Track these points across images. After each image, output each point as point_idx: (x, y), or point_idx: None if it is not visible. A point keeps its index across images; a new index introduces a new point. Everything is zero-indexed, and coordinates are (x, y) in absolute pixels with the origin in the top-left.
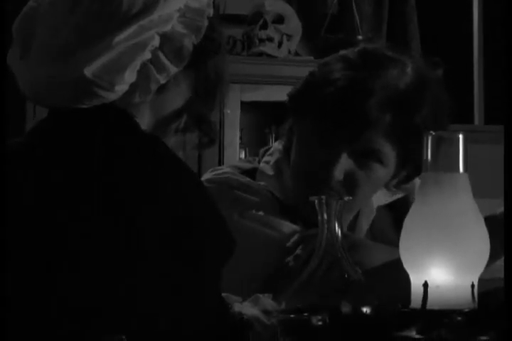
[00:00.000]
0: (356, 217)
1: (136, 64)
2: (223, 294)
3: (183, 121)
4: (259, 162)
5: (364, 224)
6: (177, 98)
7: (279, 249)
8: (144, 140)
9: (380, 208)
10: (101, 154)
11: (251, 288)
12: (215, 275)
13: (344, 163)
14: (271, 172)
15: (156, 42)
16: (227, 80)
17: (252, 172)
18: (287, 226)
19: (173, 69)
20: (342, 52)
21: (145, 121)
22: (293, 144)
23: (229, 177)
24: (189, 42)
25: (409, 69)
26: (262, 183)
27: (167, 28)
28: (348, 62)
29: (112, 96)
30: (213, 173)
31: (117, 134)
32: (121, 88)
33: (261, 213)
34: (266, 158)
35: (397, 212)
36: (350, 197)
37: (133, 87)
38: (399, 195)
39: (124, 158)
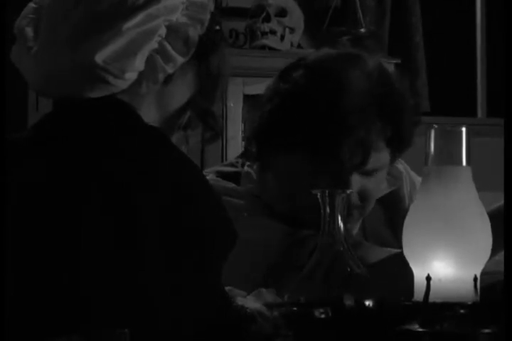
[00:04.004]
0: None
1: (145, 52)
2: (228, 287)
3: (187, 116)
4: (242, 165)
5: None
6: (183, 91)
7: (272, 249)
8: (147, 134)
9: None
10: (104, 150)
11: (245, 288)
12: (216, 268)
13: (354, 184)
14: (254, 177)
15: (163, 32)
16: (228, 74)
17: (234, 176)
18: (278, 227)
19: (179, 60)
20: (296, 73)
21: (151, 116)
22: (269, 176)
23: (213, 184)
24: (194, 33)
25: (370, 68)
26: (249, 185)
27: (173, 17)
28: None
29: (121, 84)
30: None
31: (121, 129)
32: (131, 76)
33: (250, 216)
34: (247, 162)
35: (388, 207)
36: (352, 190)
37: (140, 77)
38: (389, 189)
39: (127, 152)
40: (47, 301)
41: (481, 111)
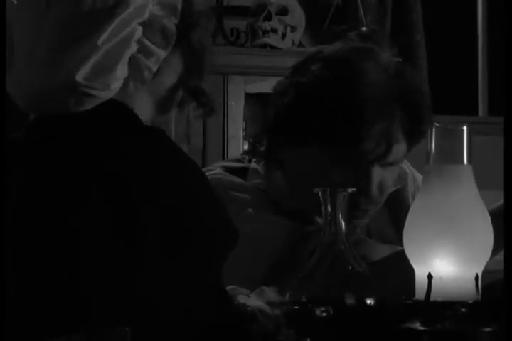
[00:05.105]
0: None
1: (126, 58)
2: (231, 286)
3: (180, 94)
4: (249, 160)
5: None
6: (171, 75)
7: (276, 246)
8: (147, 134)
9: None
10: (103, 150)
11: (248, 286)
12: (217, 267)
13: (375, 176)
14: (261, 172)
15: (139, 32)
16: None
17: (242, 172)
18: (284, 224)
19: (161, 54)
20: (314, 66)
21: (144, 104)
22: (278, 173)
23: (221, 178)
24: (169, 23)
25: (384, 61)
26: (256, 181)
27: (145, 16)
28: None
29: (108, 95)
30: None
31: (120, 129)
32: (116, 85)
33: (256, 211)
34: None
35: (392, 205)
36: (354, 189)
37: (127, 80)
38: (394, 188)
39: (127, 152)
40: (47, 301)
41: (482, 109)
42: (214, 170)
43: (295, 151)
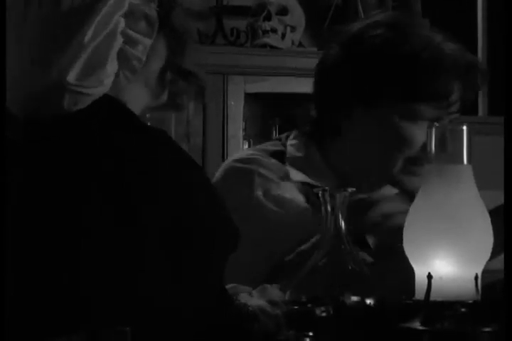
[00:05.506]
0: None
1: (114, 53)
2: (232, 284)
3: (169, 77)
4: (284, 145)
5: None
6: (157, 61)
7: (300, 232)
8: (147, 134)
9: (397, 195)
10: (103, 149)
11: (267, 267)
12: (217, 267)
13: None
14: (299, 154)
15: (123, 23)
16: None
17: (278, 155)
18: (310, 210)
19: (147, 41)
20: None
21: (138, 93)
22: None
23: (256, 158)
24: (151, 10)
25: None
26: (289, 166)
27: (126, 7)
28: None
29: (102, 91)
30: (241, 154)
31: (117, 129)
32: (109, 80)
33: (286, 195)
34: (291, 142)
35: (409, 194)
36: (354, 189)
37: (117, 72)
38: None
39: (127, 152)
40: (47, 301)
41: (482, 109)
42: (250, 151)
43: (361, 114)
